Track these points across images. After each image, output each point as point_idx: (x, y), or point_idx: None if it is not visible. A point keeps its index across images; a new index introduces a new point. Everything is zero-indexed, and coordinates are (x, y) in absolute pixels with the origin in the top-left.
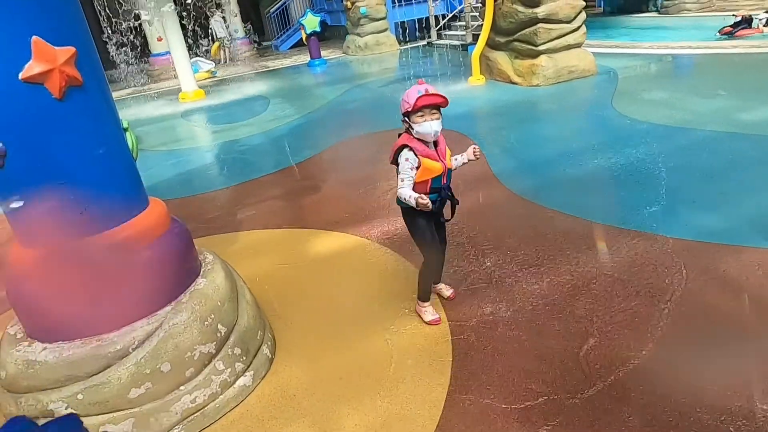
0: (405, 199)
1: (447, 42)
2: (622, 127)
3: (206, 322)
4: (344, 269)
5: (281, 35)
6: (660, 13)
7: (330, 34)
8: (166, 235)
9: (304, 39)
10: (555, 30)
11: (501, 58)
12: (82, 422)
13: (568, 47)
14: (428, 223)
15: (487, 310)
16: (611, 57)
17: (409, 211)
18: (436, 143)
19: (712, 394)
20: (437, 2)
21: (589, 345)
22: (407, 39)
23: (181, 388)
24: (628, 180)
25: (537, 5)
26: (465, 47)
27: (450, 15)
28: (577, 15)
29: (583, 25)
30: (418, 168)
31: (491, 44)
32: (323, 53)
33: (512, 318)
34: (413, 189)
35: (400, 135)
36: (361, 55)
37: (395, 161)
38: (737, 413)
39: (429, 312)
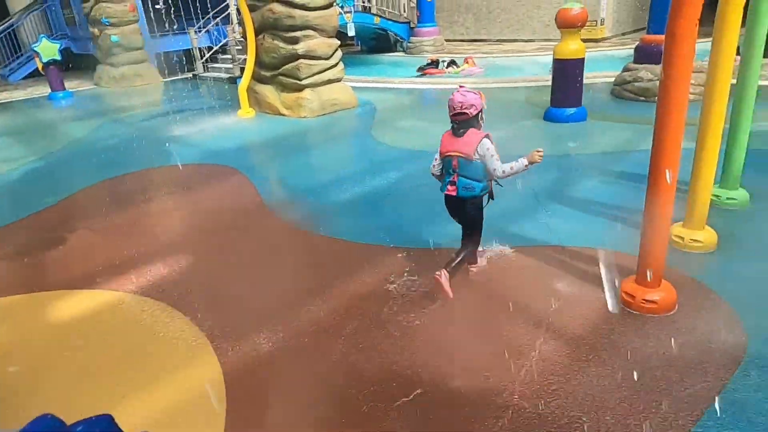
0: (513, 168)
1: (214, 75)
2: (379, 153)
3: None
4: (99, 332)
5: (10, 63)
6: (406, 53)
7: (78, 63)
8: None
9: (40, 68)
10: (315, 66)
11: (268, 92)
12: (115, 421)
13: (330, 82)
14: None
15: (265, 344)
16: (369, 91)
17: (479, 201)
18: None
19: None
20: (199, 34)
21: (360, 357)
22: (171, 71)
23: None
24: (387, 201)
25: (296, 42)
26: (233, 80)
27: (215, 48)
28: (334, 52)
29: (341, 62)
30: None
31: (258, 78)
32: (70, 85)
33: (291, 349)
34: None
35: (465, 130)
36: (117, 88)
37: (471, 154)
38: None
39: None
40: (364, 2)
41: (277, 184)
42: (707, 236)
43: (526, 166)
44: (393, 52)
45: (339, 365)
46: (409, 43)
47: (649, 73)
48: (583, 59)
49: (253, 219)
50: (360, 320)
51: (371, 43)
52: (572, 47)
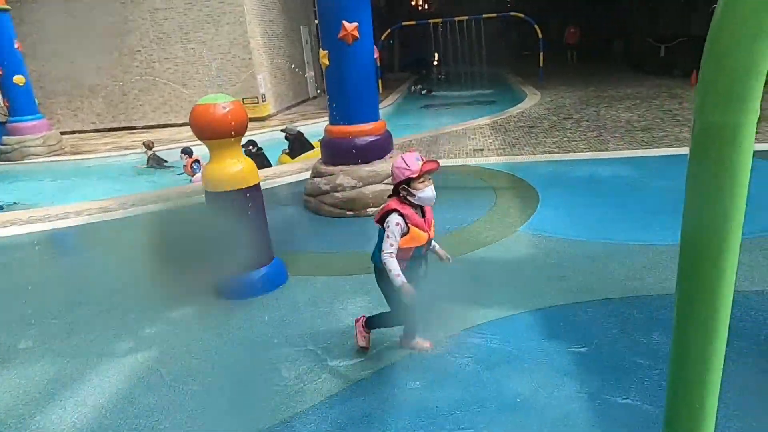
0: (391, 271)
1: None
2: None
3: None
4: None
5: None
6: (1, 161)
7: None
8: None
9: None
10: None
11: None
12: None
13: None
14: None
15: None
16: None
17: (379, 272)
18: (423, 212)
19: None
20: None
21: None
22: None
23: None
24: None
25: None
26: None
27: None
28: None
29: None
30: (405, 235)
31: None
32: None
33: None
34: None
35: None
36: None
37: (381, 222)
38: None
39: (366, 339)
40: None
41: None
42: None
43: (398, 284)
44: None
45: None
46: (3, 145)
47: (349, 178)
48: (257, 185)
49: None
50: None
51: None
52: (232, 170)
